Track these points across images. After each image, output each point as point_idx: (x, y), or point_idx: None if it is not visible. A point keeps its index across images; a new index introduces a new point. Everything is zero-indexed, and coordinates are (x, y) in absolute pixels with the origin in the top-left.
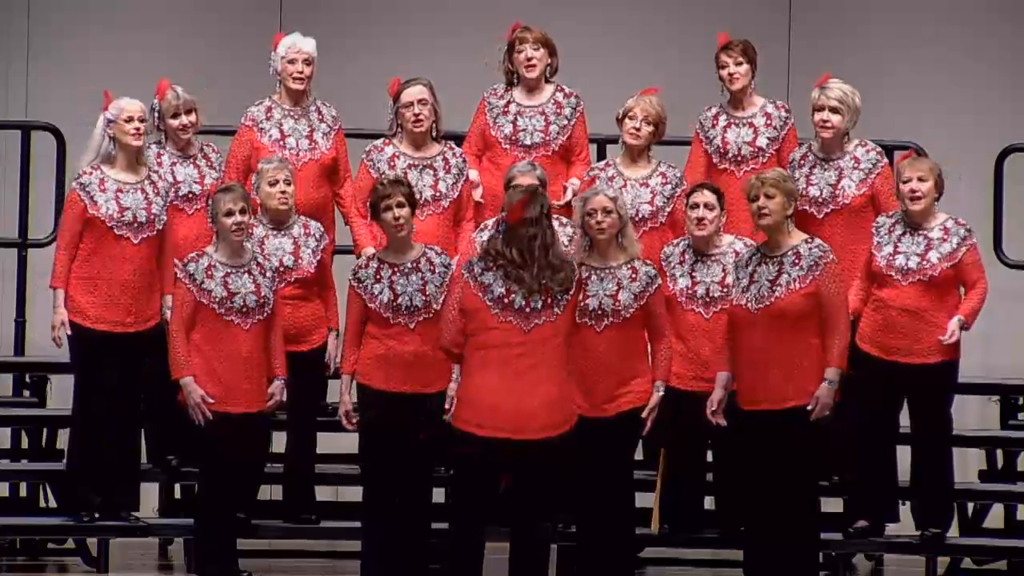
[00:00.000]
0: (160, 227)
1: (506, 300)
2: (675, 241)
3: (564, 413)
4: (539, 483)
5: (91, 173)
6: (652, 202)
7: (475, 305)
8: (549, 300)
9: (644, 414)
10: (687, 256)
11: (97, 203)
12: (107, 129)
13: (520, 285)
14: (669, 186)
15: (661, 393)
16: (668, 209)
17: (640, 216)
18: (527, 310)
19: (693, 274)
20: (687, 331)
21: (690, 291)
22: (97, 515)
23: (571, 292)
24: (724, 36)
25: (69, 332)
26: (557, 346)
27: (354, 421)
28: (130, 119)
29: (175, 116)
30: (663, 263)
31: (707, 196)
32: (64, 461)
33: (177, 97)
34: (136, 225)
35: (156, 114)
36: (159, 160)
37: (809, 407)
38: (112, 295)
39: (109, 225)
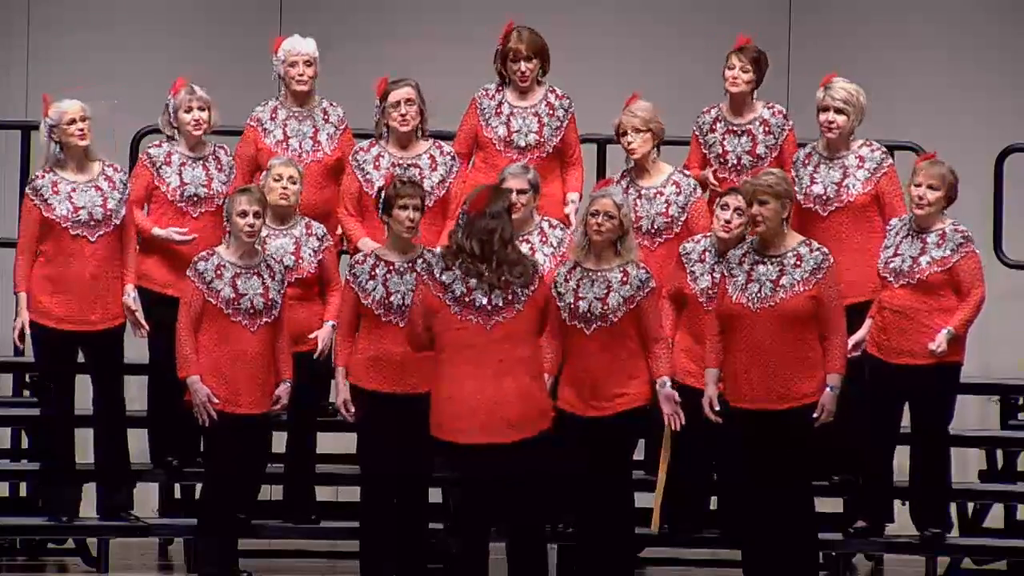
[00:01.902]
0: (118, 222)
1: (467, 299)
2: (696, 237)
3: (535, 410)
4: (528, 486)
5: (43, 176)
6: (667, 212)
7: (435, 305)
8: (510, 296)
9: (667, 422)
10: (708, 256)
11: (51, 205)
12: (51, 134)
13: (480, 280)
14: (682, 195)
15: (668, 388)
16: (683, 218)
17: (656, 228)
18: (488, 308)
19: (715, 275)
20: (704, 331)
21: (711, 291)
22: (77, 515)
23: (532, 287)
24: (744, 39)
25: (28, 333)
26: (522, 344)
27: (352, 410)
28: (72, 121)
29: (188, 111)
30: (683, 258)
31: (739, 201)
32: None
33: (191, 92)
34: (92, 223)
35: (170, 110)
36: (168, 159)
37: (815, 415)
38: (74, 294)
39: (64, 226)
